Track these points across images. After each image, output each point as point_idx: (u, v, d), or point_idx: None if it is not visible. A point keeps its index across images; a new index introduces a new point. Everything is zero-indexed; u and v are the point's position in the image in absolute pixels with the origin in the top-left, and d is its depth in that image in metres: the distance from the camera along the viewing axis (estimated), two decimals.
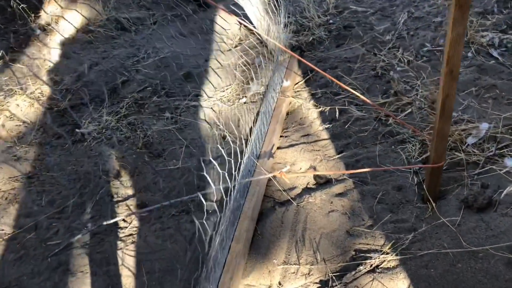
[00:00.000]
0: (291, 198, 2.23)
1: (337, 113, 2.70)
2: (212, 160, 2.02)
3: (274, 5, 3.17)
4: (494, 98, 2.56)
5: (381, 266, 1.81)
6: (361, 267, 1.83)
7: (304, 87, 3.08)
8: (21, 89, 3.44)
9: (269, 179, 2.32)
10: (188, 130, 2.88)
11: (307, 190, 2.27)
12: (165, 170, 2.59)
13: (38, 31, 4.24)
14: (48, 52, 3.90)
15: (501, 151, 2.19)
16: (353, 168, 2.33)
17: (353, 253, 1.91)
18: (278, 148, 2.58)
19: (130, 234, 2.25)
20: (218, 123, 2.87)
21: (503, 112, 2.42)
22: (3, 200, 2.51)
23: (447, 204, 1.99)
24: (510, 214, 1.90)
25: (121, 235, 2.25)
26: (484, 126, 2.34)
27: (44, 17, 4.28)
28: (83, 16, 4.25)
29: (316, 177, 2.32)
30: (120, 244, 2.20)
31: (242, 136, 2.74)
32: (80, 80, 3.50)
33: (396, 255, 1.83)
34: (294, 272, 1.88)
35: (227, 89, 3.23)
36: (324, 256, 1.91)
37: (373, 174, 2.24)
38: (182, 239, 2.16)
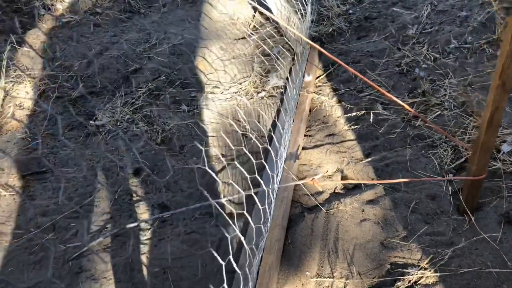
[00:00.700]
0: (320, 204, 2.16)
1: (363, 112, 2.62)
2: (236, 164, 1.93)
3: None
4: None
5: (419, 282, 1.76)
6: (398, 283, 1.77)
7: (326, 82, 2.99)
8: (30, 75, 3.31)
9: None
10: (206, 124, 2.79)
11: (335, 196, 2.21)
12: (186, 169, 2.50)
13: (43, 11, 4.08)
14: (55, 35, 3.75)
15: None
16: (383, 173, 2.26)
17: (389, 266, 1.86)
18: (303, 148, 2.51)
19: (153, 237, 2.18)
20: (239, 119, 2.78)
21: None
22: (18, 196, 2.42)
23: (485, 217, 1.93)
24: None
25: (143, 238, 2.18)
26: None
27: None
28: None
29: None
30: (143, 248, 2.13)
31: (263, 133, 2.66)
32: (90, 66, 3.37)
33: (435, 271, 1.78)
34: (328, 286, 1.82)
35: (244, 81, 3.13)
36: (359, 270, 1.86)
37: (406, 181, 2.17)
38: (208, 245, 2.09)
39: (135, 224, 2.20)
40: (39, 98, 3.11)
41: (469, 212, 1.92)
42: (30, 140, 2.77)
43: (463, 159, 2.21)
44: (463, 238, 1.87)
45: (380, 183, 2.16)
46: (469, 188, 1.90)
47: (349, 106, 2.69)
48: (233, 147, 2.55)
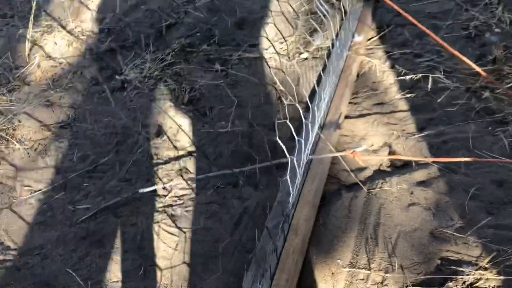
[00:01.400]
0: (361, 181, 1.85)
1: (420, 79, 2.25)
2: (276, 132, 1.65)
3: None
4: None
5: (476, 285, 1.44)
6: (450, 283, 1.46)
7: (378, 45, 2.62)
8: (61, 25, 3.12)
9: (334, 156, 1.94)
10: (240, 87, 2.51)
11: (380, 173, 1.89)
12: (213, 132, 2.25)
13: None
14: None
15: None
16: (438, 151, 1.91)
17: (439, 262, 1.54)
18: (346, 117, 2.18)
19: (169, 205, 1.95)
20: (276, 81, 2.48)
21: None
22: (32, 151, 2.26)
23: None
24: None
25: (158, 205, 1.96)
26: None
27: None
28: None
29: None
30: (157, 216, 1.91)
31: (303, 98, 2.35)
32: (124, 19, 3.14)
33: (498, 273, 1.45)
34: (363, 279, 1.53)
35: (286, 40, 2.81)
36: (402, 262, 1.55)
37: (467, 161, 1.82)
38: (228, 218, 1.84)
39: (151, 189, 1.98)
40: (67, 50, 2.92)
41: None
42: (52, 92, 2.59)
43: None
44: None
45: (435, 162, 1.82)
46: None
47: (403, 71, 2.33)
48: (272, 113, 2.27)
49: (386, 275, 1.53)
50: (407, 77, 2.28)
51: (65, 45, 2.95)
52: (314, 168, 1.83)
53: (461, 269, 1.49)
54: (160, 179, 2.06)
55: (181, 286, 1.65)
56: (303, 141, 1.89)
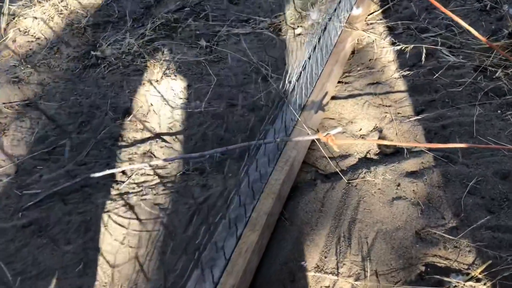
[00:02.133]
0: (342, 171, 1.58)
1: (423, 55, 1.96)
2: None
3: None
4: None
5: None
6: None
7: (380, 19, 2.33)
8: None
9: (313, 141, 1.67)
10: (222, 64, 2.26)
11: (365, 162, 1.62)
12: (185, 113, 2.01)
13: None
14: None
15: None
16: (436, 137, 1.63)
17: (422, 269, 1.27)
18: (333, 98, 1.91)
19: (126, 193, 1.73)
20: (263, 58, 2.22)
21: None
22: None
23: None
24: None
25: (113, 192, 1.74)
26: None
27: None
28: None
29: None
30: (109, 205, 1.68)
31: (291, 76, 2.09)
32: None
33: (493, 286, 1.16)
34: (328, 286, 1.27)
35: (279, 15, 2.55)
36: (377, 268, 1.29)
37: (466, 149, 1.53)
38: (185, 209, 1.60)
39: (104, 173, 1.76)
40: (46, 25, 2.73)
41: None
42: (22, 68, 2.40)
43: None
44: None
45: (428, 148, 1.54)
46: None
47: (404, 47, 2.03)
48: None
49: (356, 282, 1.26)
50: (407, 53, 1.99)
51: (45, 20, 2.76)
52: (285, 154, 1.57)
53: (447, 279, 1.21)
54: (120, 163, 1.84)
55: (121, 286, 1.43)
56: (276, 124, 1.64)
